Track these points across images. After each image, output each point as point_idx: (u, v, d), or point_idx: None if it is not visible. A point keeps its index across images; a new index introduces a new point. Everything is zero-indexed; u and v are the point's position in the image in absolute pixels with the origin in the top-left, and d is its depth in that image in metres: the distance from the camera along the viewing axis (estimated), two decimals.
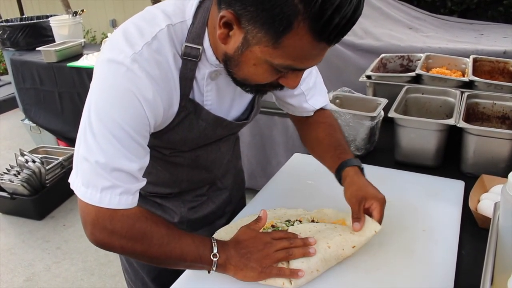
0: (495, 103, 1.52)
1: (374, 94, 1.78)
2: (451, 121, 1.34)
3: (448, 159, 1.42)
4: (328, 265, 0.93)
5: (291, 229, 0.99)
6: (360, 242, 0.95)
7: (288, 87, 0.83)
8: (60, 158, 3.18)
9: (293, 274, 0.89)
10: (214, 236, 1.00)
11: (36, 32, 3.73)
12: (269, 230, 1.02)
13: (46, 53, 3.30)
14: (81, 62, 3.26)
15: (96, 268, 2.54)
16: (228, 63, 0.80)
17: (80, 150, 0.80)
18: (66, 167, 3.18)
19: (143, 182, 0.86)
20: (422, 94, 1.61)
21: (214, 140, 1.04)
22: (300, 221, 1.06)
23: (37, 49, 3.40)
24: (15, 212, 3.04)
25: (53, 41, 3.68)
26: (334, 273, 0.94)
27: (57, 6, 5.52)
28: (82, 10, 3.86)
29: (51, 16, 3.92)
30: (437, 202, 1.19)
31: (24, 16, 4.38)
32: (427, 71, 1.82)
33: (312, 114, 1.16)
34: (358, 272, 0.94)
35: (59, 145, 3.63)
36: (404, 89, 1.60)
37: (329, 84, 2.31)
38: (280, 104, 1.17)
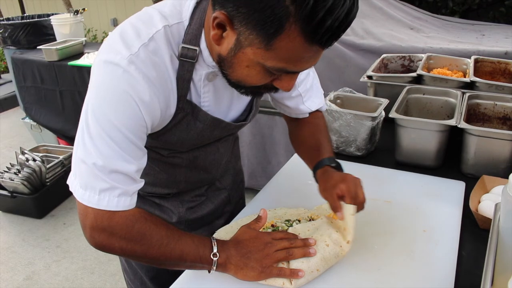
0: (496, 104, 1.52)
1: (375, 94, 1.78)
2: (452, 122, 1.34)
3: (449, 160, 1.42)
4: (328, 265, 0.93)
5: (290, 230, 0.99)
6: (351, 234, 0.94)
7: (283, 90, 0.83)
8: (61, 157, 3.18)
9: (293, 274, 0.89)
10: (214, 236, 1.00)
11: (37, 31, 3.73)
12: (269, 230, 1.02)
13: (47, 52, 3.30)
14: (82, 61, 3.26)
15: (96, 266, 2.54)
16: (222, 64, 0.80)
17: (78, 152, 0.80)
18: (67, 165, 3.18)
19: (141, 183, 0.86)
20: (423, 94, 1.61)
21: (212, 141, 1.04)
22: (299, 221, 1.06)
23: (38, 47, 3.40)
24: (15, 211, 3.04)
25: (54, 39, 3.68)
26: (334, 273, 0.94)
27: (58, 5, 5.53)
28: (84, 9, 3.86)
29: (53, 14, 3.92)
30: (437, 202, 1.19)
31: (25, 15, 4.38)
32: (428, 72, 1.81)
33: (307, 115, 1.16)
34: (358, 272, 0.94)
35: (59, 144, 3.64)
36: (405, 90, 1.60)
37: (330, 84, 2.31)
38: (276, 105, 1.17)
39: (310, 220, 1.07)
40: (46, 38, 3.71)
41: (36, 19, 3.90)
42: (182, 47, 0.83)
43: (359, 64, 2.50)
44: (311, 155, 1.09)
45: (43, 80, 3.42)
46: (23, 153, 3.06)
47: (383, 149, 1.54)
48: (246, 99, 1.02)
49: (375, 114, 1.43)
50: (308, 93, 1.12)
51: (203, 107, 0.92)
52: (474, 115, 1.55)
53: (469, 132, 1.31)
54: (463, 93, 1.55)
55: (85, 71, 3.20)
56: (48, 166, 3.04)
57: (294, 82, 0.82)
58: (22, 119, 3.87)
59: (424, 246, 1.02)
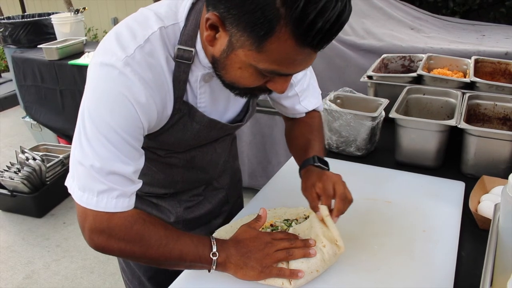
0: (496, 104, 1.52)
1: (375, 95, 1.77)
2: (452, 122, 1.34)
3: (449, 160, 1.42)
4: (327, 265, 0.93)
5: (291, 231, 0.99)
6: (335, 235, 0.93)
7: (276, 92, 0.82)
8: (61, 156, 3.18)
9: (293, 274, 0.89)
10: (213, 235, 1.00)
11: (37, 30, 3.73)
12: (268, 230, 1.02)
13: (47, 51, 3.30)
14: (83, 60, 3.26)
15: (95, 266, 2.54)
16: (216, 65, 0.80)
17: (75, 154, 0.80)
18: (67, 165, 3.18)
19: (139, 184, 0.86)
20: (423, 94, 1.61)
21: (209, 141, 1.04)
22: (297, 220, 1.07)
23: (38, 46, 3.40)
24: (15, 210, 3.04)
25: (55, 38, 3.68)
26: (334, 273, 0.94)
27: (59, 4, 5.53)
28: (84, 8, 3.86)
29: (53, 13, 3.92)
30: (437, 202, 1.19)
31: (25, 14, 4.38)
32: (429, 72, 1.81)
33: (304, 115, 1.16)
34: (358, 272, 0.94)
35: (59, 143, 3.64)
36: (405, 90, 1.60)
37: (331, 84, 2.31)
38: (274, 104, 1.17)
39: (306, 219, 1.07)
40: (47, 37, 3.71)
41: (37, 18, 3.90)
42: (178, 48, 0.82)
43: (359, 64, 2.50)
44: (299, 154, 1.09)
45: (44, 79, 3.42)
46: (23, 152, 3.06)
47: (383, 149, 1.54)
48: (242, 100, 1.02)
49: (375, 114, 1.43)
50: (304, 93, 1.12)
51: (199, 108, 0.92)
52: (474, 116, 1.55)
53: (469, 132, 1.31)
54: (463, 94, 1.55)
55: (86, 70, 3.09)
56: (48, 165, 3.04)
57: (288, 84, 0.82)
58: (22, 118, 3.87)
59: (423, 246, 1.02)
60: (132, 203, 0.84)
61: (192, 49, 0.83)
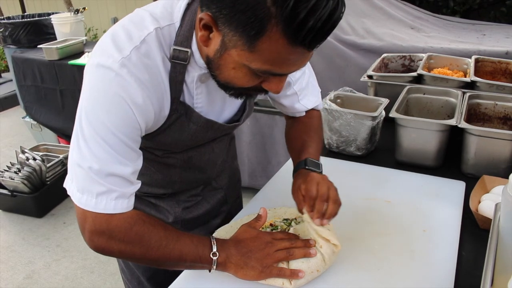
0: (496, 104, 1.52)
1: (376, 94, 1.77)
2: (452, 122, 1.33)
3: (449, 160, 1.42)
4: (328, 265, 0.93)
5: (291, 231, 0.99)
6: (327, 234, 0.93)
7: (271, 92, 0.82)
8: (61, 156, 3.18)
9: (293, 274, 0.89)
10: (213, 235, 1.00)
11: (37, 30, 3.73)
12: (268, 229, 1.02)
13: (47, 51, 3.30)
14: (83, 60, 3.26)
15: (96, 266, 2.54)
16: (210, 66, 0.80)
17: (74, 156, 0.80)
18: (67, 164, 3.17)
19: (138, 185, 0.86)
20: (424, 94, 1.61)
21: (207, 141, 1.04)
22: (296, 219, 1.06)
23: (38, 46, 3.40)
24: (16, 210, 3.04)
25: (55, 38, 3.68)
26: (334, 273, 0.94)
27: (58, 4, 5.53)
28: (84, 8, 3.86)
29: (53, 13, 3.92)
30: (437, 202, 1.19)
31: (25, 14, 4.38)
32: (429, 71, 1.81)
33: (303, 114, 1.16)
34: (358, 272, 0.94)
35: (60, 143, 3.64)
36: (405, 89, 1.60)
37: (331, 83, 2.31)
38: (274, 103, 1.17)
39: None
40: (47, 37, 3.71)
41: (37, 18, 3.90)
42: (174, 49, 0.82)
43: (359, 64, 2.50)
44: (294, 156, 1.09)
45: (44, 79, 3.42)
46: (23, 152, 3.06)
47: (383, 149, 1.54)
48: (239, 100, 1.02)
49: (375, 114, 1.43)
50: (304, 91, 1.11)
51: (196, 108, 0.92)
52: (474, 115, 1.55)
53: (470, 132, 1.31)
54: (464, 93, 1.55)
55: None
56: (48, 165, 3.04)
57: (283, 84, 0.81)
58: (23, 118, 3.87)
59: (424, 246, 1.02)
60: (131, 204, 0.84)
61: (188, 50, 0.83)
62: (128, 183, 0.82)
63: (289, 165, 1.44)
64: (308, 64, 1.08)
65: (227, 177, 1.25)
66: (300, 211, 0.96)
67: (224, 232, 1.03)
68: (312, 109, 1.17)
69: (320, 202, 0.92)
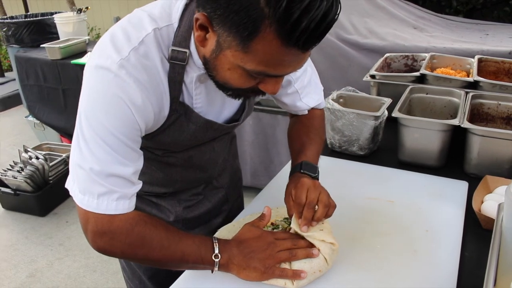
0: (499, 104, 1.52)
1: (378, 94, 1.77)
2: (455, 122, 1.33)
3: (452, 160, 1.41)
4: (330, 265, 0.93)
5: (292, 230, 0.99)
6: (319, 236, 0.93)
7: (268, 93, 0.82)
8: (64, 155, 3.19)
9: (295, 275, 0.89)
10: (216, 235, 1.00)
11: (40, 29, 3.74)
12: (269, 228, 1.02)
13: (50, 50, 3.31)
14: (85, 60, 3.26)
15: (98, 265, 2.55)
16: (207, 66, 0.80)
17: (75, 157, 0.80)
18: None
19: (139, 185, 0.86)
20: (426, 94, 1.61)
21: (207, 141, 1.04)
22: None
23: (41, 46, 3.40)
24: (19, 209, 3.05)
25: (58, 38, 3.69)
26: (336, 273, 0.94)
27: (61, 3, 5.54)
28: (87, 8, 3.87)
29: (56, 13, 3.93)
30: (440, 202, 1.18)
31: (28, 13, 4.39)
32: (432, 71, 1.81)
33: (306, 112, 1.16)
34: (360, 271, 0.94)
35: (62, 142, 3.65)
36: (408, 89, 1.59)
37: (333, 83, 2.31)
38: (276, 101, 1.16)
39: None
40: (50, 37, 3.72)
41: (40, 18, 3.91)
42: (172, 49, 0.82)
43: (362, 63, 2.50)
44: (292, 157, 1.09)
45: (46, 78, 3.43)
46: (26, 151, 3.07)
47: (386, 149, 1.54)
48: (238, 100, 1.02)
49: (378, 114, 1.43)
50: (305, 89, 1.11)
51: (195, 108, 0.92)
52: (477, 115, 1.54)
53: (473, 132, 1.31)
54: (467, 93, 1.54)
55: None
56: (51, 164, 3.05)
57: (280, 85, 0.81)
58: (25, 117, 3.88)
59: (426, 246, 1.02)
60: (133, 205, 0.84)
61: (186, 50, 0.83)
62: (129, 183, 0.82)
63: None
64: (311, 62, 1.08)
65: (228, 176, 1.25)
66: (290, 216, 0.96)
67: (227, 231, 1.03)
68: (315, 108, 1.17)
69: (308, 209, 0.91)
